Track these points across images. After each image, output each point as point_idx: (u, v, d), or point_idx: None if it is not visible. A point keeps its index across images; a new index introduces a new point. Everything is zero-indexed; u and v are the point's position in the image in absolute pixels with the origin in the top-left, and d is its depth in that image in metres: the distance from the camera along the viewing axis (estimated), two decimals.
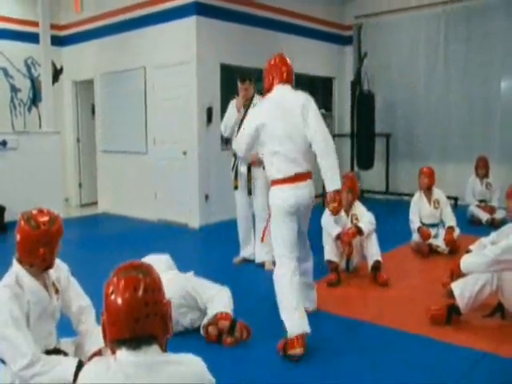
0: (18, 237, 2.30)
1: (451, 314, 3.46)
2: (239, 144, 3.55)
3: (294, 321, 3.10)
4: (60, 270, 2.50)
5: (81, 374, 1.53)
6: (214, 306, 3.32)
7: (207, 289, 3.43)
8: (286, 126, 3.29)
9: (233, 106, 5.12)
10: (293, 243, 3.30)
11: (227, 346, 3.20)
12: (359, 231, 4.45)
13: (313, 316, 3.72)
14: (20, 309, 2.23)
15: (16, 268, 2.33)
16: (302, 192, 3.29)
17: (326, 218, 4.57)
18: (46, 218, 2.30)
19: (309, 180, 3.35)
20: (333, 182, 3.28)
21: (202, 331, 3.31)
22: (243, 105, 4.99)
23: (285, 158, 3.27)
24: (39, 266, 2.32)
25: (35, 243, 2.26)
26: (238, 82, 5.00)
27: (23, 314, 2.24)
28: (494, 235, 3.90)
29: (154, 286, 1.46)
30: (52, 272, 2.43)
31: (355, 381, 2.83)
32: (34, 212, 2.32)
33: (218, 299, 3.37)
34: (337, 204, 3.31)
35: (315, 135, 3.30)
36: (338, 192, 3.30)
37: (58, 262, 2.46)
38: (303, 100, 3.37)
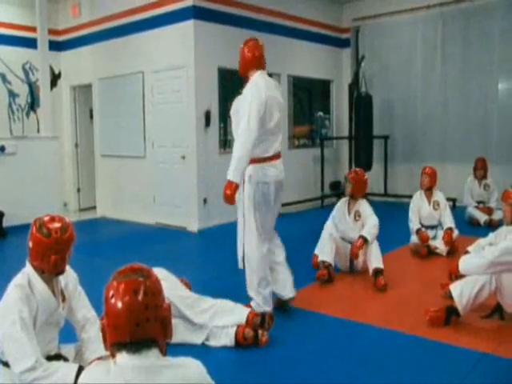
0: (30, 244, 2.31)
1: (450, 315, 3.47)
2: (247, 136, 3.44)
3: None
4: (69, 277, 2.51)
5: (81, 377, 1.53)
6: (228, 313, 3.30)
7: (200, 302, 3.38)
8: (278, 111, 3.60)
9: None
10: None
11: (263, 346, 3.22)
12: (365, 241, 4.49)
13: (312, 318, 3.75)
14: (29, 311, 2.24)
15: (29, 270, 2.34)
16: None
17: (328, 223, 4.74)
18: (57, 226, 2.31)
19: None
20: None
21: (230, 340, 3.23)
22: None
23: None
24: (51, 271, 2.34)
25: (47, 250, 2.28)
26: None
27: (31, 317, 2.25)
28: (491, 236, 3.93)
29: (154, 290, 1.47)
30: (61, 279, 2.44)
31: (354, 381, 2.84)
32: (46, 219, 2.33)
33: (225, 306, 3.36)
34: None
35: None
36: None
37: (68, 269, 2.47)
38: (280, 88, 3.80)
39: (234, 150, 3.46)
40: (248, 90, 3.54)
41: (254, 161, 3.52)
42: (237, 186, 3.44)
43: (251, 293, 3.60)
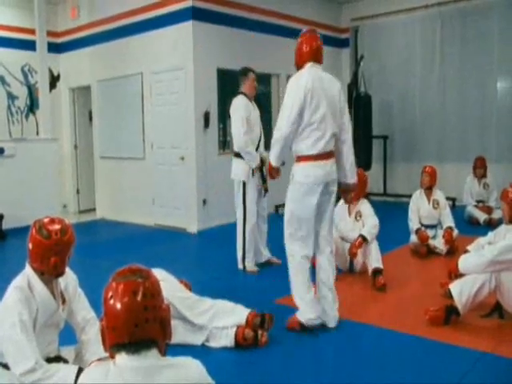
0: (29, 245, 2.31)
1: (450, 314, 3.47)
2: (283, 131, 3.36)
3: None
4: (69, 278, 2.51)
5: (80, 378, 1.53)
6: (228, 314, 3.30)
7: (199, 303, 3.38)
8: (327, 105, 3.36)
9: (245, 103, 5.00)
10: None
11: (262, 346, 3.23)
12: (364, 239, 4.49)
13: None
14: (29, 313, 2.24)
15: (29, 272, 2.34)
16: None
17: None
18: (57, 227, 2.30)
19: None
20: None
21: (230, 341, 3.23)
22: (252, 97, 5.07)
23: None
24: (50, 273, 2.34)
25: (47, 252, 2.28)
26: (250, 73, 5.08)
27: (31, 318, 2.25)
28: (491, 235, 3.93)
29: (153, 291, 1.47)
30: (61, 280, 2.44)
31: (354, 381, 2.84)
32: (46, 220, 2.33)
33: (224, 306, 3.36)
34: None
35: (347, 125, 3.50)
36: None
37: (68, 270, 2.47)
38: (339, 85, 3.52)
39: (273, 141, 3.46)
40: (290, 81, 3.41)
41: (298, 159, 3.42)
42: (278, 169, 3.58)
43: (296, 299, 3.48)
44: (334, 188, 3.51)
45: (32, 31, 8.09)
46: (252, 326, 3.26)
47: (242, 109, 4.93)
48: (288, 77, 8.64)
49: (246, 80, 5.05)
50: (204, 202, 7.29)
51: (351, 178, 3.57)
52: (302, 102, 3.26)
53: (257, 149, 5.00)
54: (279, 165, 3.55)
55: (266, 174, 5.05)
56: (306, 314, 3.40)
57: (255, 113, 5.07)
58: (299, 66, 3.49)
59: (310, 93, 3.27)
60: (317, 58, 3.46)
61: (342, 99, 3.50)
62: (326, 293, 3.49)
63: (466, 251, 4.07)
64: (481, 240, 4.06)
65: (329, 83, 3.43)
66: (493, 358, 3.03)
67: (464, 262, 3.53)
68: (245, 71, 5.13)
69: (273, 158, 3.52)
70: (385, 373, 2.89)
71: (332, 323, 3.49)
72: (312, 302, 3.42)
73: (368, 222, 4.63)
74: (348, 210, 4.85)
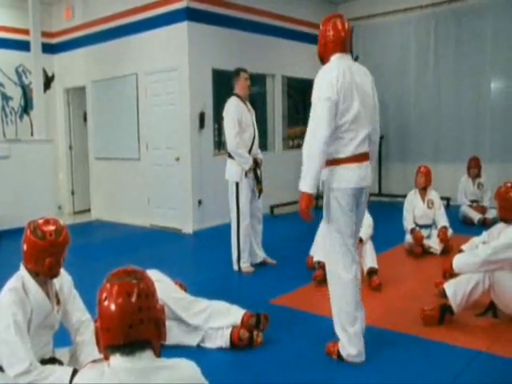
0: (24, 247, 2.31)
1: (444, 313, 3.49)
2: (318, 135, 2.85)
3: None
4: (64, 279, 2.50)
5: (75, 380, 1.53)
6: (223, 314, 3.30)
7: (194, 304, 3.37)
8: (360, 103, 2.94)
9: (237, 104, 5.01)
10: None
11: (258, 346, 3.23)
12: (360, 240, 4.49)
13: (308, 318, 3.76)
14: (23, 315, 2.23)
15: (23, 273, 2.33)
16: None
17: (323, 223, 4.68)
18: (52, 228, 2.30)
19: None
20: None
21: (225, 342, 3.23)
22: (246, 97, 5.07)
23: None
24: (45, 274, 2.33)
25: (41, 253, 2.27)
26: (241, 73, 5.07)
27: (25, 320, 2.24)
28: (485, 235, 3.95)
29: (147, 292, 1.47)
30: (55, 282, 2.44)
31: (349, 381, 2.85)
32: (41, 221, 2.32)
33: (220, 307, 3.35)
34: None
35: (378, 125, 3.13)
36: None
37: (63, 271, 2.47)
38: (371, 78, 3.09)
39: (304, 152, 2.93)
40: (318, 77, 2.94)
41: (327, 163, 2.94)
42: (311, 197, 2.87)
43: (337, 329, 3.03)
44: (366, 197, 3.12)
45: (26, 31, 8.07)
46: (247, 327, 3.26)
47: (233, 111, 4.94)
48: (283, 77, 8.80)
49: (238, 80, 5.06)
50: (199, 202, 7.29)
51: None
52: (335, 100, 2.83)
53: (250, 150, 5.00)
54: (315, 190, 2.90)
55: (261, 175, 5.07)
56: (347, 348, 2.99)
57: (248, 114, 5.06)
58: (324, 57, 3.07)
59: (342, 90, 2.85)
60: (345, 47, 3.02)
61: (375, 94, 3.09)
62: None
63: (460, 251, 4.10)
64: (475, 239, 4.08)
65: (361, 76, 2.99)
66: (487, 357, 3.04)
67: (458, 261, 3.54)
68: (236, 71, 5.14)
69: (309, 180, 2.86)
70: (380, 372, 2.90)
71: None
72: (356, 336, 2.97)
73: (363, 222, 4.63)
74: None
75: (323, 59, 3.07)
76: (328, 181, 2.98)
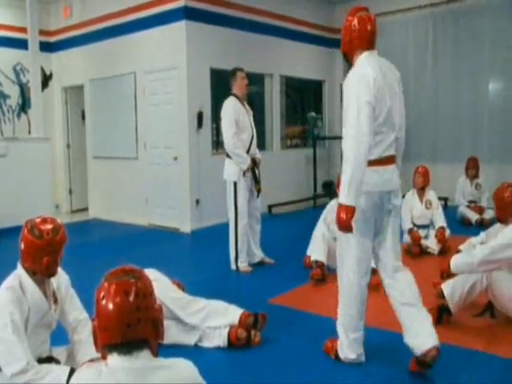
0: (21, 245, 2.30)
1: (442, 314, 3.49)
2: (360, 137, 2.63)
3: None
4: (61, 278, 2.50)
5: (72, 379, 1.53)
6: (221, 314, 3.29)
7: (192, 303, 3.36)
8: (390, 103, 2.78)
9: (235, 104, 5.00)
10: None
11: (256, 346, 3.23)
12: None
13: (306, 318, 3.75)
14: (20, 314, 2.23)
15: (20, 272, 2.33)
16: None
17: (320, 223, 4.71)
18: (49, 227, 2.30)
19: None
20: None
21: (223, 341, 3.23)
22: (243, 97, 5.06)
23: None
24: (43, 273, 2.33)
25: (39, 252, 2.27)
26: (238, 72, 5.05)
27: (23, 319, 2.24)
28: (483, 235, 3.96)
29: (145, 291, 1.46)
30: (53, 280, 2.43)
31: (347, 381, 2.85)
32: (38, 220, 2.32)
33: (217, 307, 3.35)
34: None
35: (403, 124, 2.94)
36: None
37: (60, 270, 2.46)
38: (399, 75, 2.95)
39: (344, 161, 2.68)
40: (352, 78, 2.76)
41: None
42: (353, 210, 2.64)
43: (339, 329, 2.98)
44: (397, 202, 2.92)
45: (24, 30, 8.04)
46: (245, 326, 3.26)
47: (230, 111, 4.94)
48: (281, 77, 8.80)
49: (235, 80, 5.05)
50: (197, 201, 7.29)
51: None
52: (373, 104, 2.67)
53: (248, 150, 5.00)
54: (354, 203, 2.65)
55: (259, 174, 5.06)
56: (345, 352, 2.96)
57: (246, 114, 5.05)
58: (349, 54, 2.91)
59: (378, 92, 2.69)
60: (373, 43, 2.86)
61: (401, 92, 2.92)
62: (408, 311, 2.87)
63: (458, 251, 4.10)
64: (473, 240, 4.09)
65: (390, 75, 2.85)
66: (485, 356, 3.05)
67: (456, 261, 3.54)
68: (233, 71, 5.13)
69: (353, 191, 2.62)
70: (378, 372, 2.90)
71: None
72: (355, 342, 2.94)
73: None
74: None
75: (348, 57, 2.92)
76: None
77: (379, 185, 2.77)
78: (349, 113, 2.69)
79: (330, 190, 9.34)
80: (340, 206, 2.66)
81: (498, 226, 3.71)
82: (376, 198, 2.78)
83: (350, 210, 2.62)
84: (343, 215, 2.63)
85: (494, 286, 3.37)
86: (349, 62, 2.93)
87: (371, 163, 2.72)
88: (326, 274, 4.56)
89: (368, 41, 2.83)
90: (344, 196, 2.63)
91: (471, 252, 3.50)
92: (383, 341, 3.31)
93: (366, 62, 2.77)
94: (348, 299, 2.92)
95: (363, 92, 2.66)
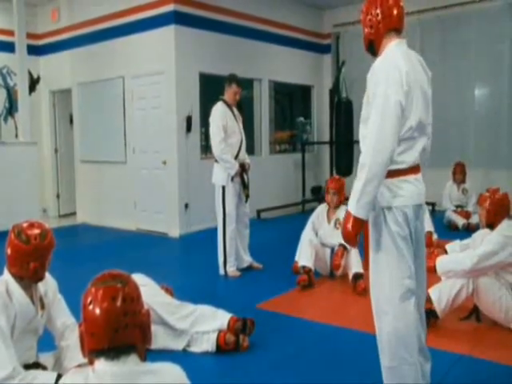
0: (8, 251, 2.28)
1: (428, 317, 3.50)
2: (385, 140, 2.20)
3: None
4: (48, 283, 2.48)
5: None
6: (209, 318, 3.29)
7: (180, 308, 3.36)
8: (422, 102, 2.35)
9: (223, 110, 5.01)
10: None
11: (244, 351, 3.23)
12: (345, 248, 4.51)
13: (293, 323, 3.76)
14: (7, 319, 2.21)
15: (7, 277, 2.31)
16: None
17: (307, 228, 4.70)
18: (36, 232, 2.28)
19: None
20: None
21: (211, 346, 3.23)
22: (233, 105, 5.07)
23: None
24: (30, 278, 2.31)
25: (26, 257, 2.25)
26: (234, 84, 5.03)
27: (9, 325, 2.22)
28: (469, 240, 3.99)
29: (132, 296, 1.46)
30: (40, 286, 2.41)
31: None
32: (25, 225, 2.30)
33: (206, 311, 3.34)
34: None
35: (430, 129, 2.46)
36: None
37: (47, 275, 2.44)
38: (430, 75, 2.45)
39: (360, 167, 2.27)
40: (380, 69, 2.31)
41: None
42: (362, 223, 2.27)
43: (384, 362, 2.46)
44: (423, 225, 2.54)
45: (11, 33, 7.97)
46: (233, 331, 3.26)
47: (218, 116, 4.95)
48: (270, 82, 8.84)
49: (229, 89, 5.06)
50: (186, 206, 7.28)
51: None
52: (403, 100, 2.23)
53: (237, 155, 5.01)
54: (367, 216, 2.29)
55: (248, 180, 5.07)
56: None
57: (235, 119, 5.06)
58: (374, 42, 2.46)
59: (410, 90, 2.25)
60: (401, 29, 2.41)
61: (430, 90, 2.43)
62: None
63: (444, 250, 4.13)
64: (457, 242, 4.14)
65: (420, 71, 2.39)
66: (470, 360, 3.08)
67: (443, 265, 3.57)
68: (229, 80, 5.09)
69: (366, 203, 2.23)
70: (366, 375, 2.91)
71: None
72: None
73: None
74: (327, 217, 4.87)
75: (373, 45, 2.48)
76: (383, 198, 2.32)
77: (413, 197, 2.37)
78: (373, 111, 2.27)
79: (319, 195, 9.39)
80: (348, 214, 2.29)
81: (483, 231, 3.75)
82: (410, 212, 2.35)
83: (358, 223, 2.26)
84: (349, 226, 2.28)
85: (480, 291, 3.42)
86: (374, 52, 2.50)
87: (402, 172, 2.33)
88: (313, 280, 4.58)
89: (396, 25, 2.38)
90: (353, 205, 2.26)
91: (459, 259, 3.51)
92: (370, 345, 3.32)
93: (397, 51, 2.33)
94: (396, 341, 2.42)
95: (393, 88, 2.22)
